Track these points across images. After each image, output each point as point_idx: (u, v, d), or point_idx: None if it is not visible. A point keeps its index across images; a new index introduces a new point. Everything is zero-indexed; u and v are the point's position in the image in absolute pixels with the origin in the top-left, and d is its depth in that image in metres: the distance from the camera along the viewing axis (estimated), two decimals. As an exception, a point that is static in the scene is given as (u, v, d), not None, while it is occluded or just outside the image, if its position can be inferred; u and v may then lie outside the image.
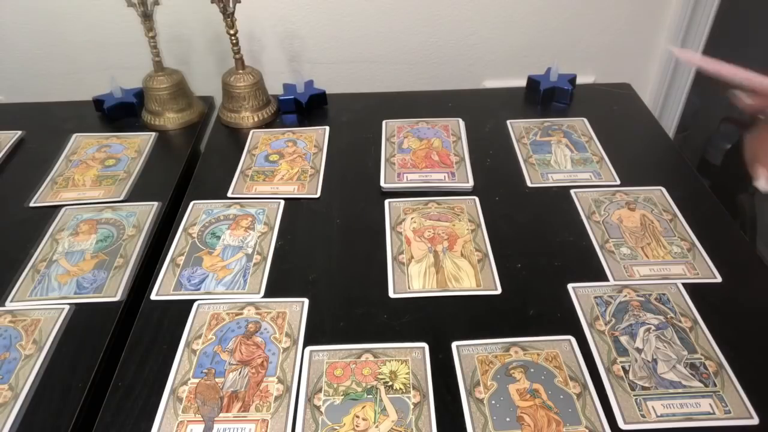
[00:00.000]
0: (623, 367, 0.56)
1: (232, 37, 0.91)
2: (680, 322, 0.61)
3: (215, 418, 0.53)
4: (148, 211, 0.77)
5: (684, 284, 0.65)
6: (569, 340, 0.59)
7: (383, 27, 1.12)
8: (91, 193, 0.81)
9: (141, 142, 0.92)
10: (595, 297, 0.64)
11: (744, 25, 1.41)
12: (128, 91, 0.99)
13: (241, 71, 0.94)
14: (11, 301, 0.65)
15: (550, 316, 0.62)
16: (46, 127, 0.97)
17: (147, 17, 0.88)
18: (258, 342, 0.60)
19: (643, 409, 0.53)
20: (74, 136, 0.93)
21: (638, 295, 0.64)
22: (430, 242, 0.71)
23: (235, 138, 0.94)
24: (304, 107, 0.98)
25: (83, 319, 0.63)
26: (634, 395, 0.54)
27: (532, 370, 0.56)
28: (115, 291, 0.66)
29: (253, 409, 0.54)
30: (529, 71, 1.03)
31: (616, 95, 1.02)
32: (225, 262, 0.70)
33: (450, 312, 0.63)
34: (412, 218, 0.75)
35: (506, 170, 0.84)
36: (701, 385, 0.55)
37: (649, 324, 0.60)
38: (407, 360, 0.57)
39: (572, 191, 0.79)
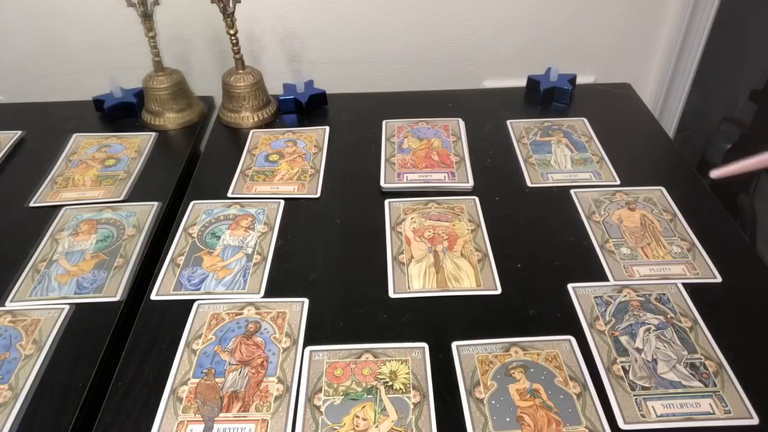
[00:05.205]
0: (623, 367, 0.56)
1: (232, 37, 0.91)
2: (680, 322, 0.61)
3: (215, 418, 0.53)
4: (148, 211, 0.77)
5: (684, 284, 0.65)
6: (569, 340, 0.59)
7: (383, 27, 1.12)
8: (91, 193, 0.81)
9: (141, 142, 0.92)
10: (595, 297, 0.64)
11: (744, 25, 1.41)
12: (128, 91, 0.99)
13: (241, 71, 0.94)
14: (11, 301, 0.65)
15: (550, 316, 0.62)
16: (46, 127, 0.97)
17: (147, 17, 0.88)
18: (258, 342, 0.60)
19: (643, 409, 0.53)
20: (74, 136, 0.93)
21: (638, 295, 0.64)
22: (430, 242, 0.71)
23: (235, 138, 0.94)
24: (304, 107, 0.98)
25: (83, 319, 0.63)
26: (634, 395, 0.54)
27: (532, 370, 0.56)
28: (115, 291, 0.66)
29: (253, 409, 0.54)
30: (529, 71, 1.03)
31: (616, 95, 1.02)
32: (225, 262, 0.70)
33: (450, 312, 0.63)
34: (412, 218, 0.75)
35: (506, 170, 0.84)
36: (701, 385, 0.55)
37: (649, 324, 0.60)
38: (407, 360, 0.57)
39: (572, 191, 0.79)
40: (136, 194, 0.81)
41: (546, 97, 0.99)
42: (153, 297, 0.66)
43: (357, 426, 0.52)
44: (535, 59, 1.16)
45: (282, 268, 0.69)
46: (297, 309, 0.63)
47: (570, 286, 0.65)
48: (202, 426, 0.53)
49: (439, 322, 0.62)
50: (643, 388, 0.54)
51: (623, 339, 0.59)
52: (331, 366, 0.57)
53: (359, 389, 0.55)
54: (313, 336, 0.61)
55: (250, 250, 0.71)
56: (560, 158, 0.86)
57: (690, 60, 1.16)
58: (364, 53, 1.15)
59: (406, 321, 0.62)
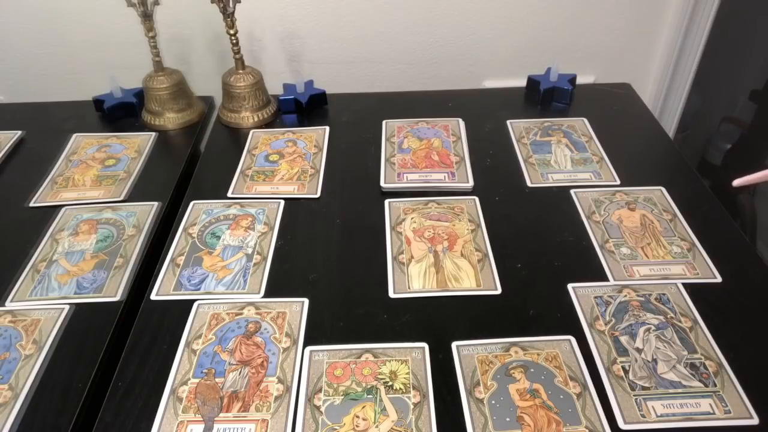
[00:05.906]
0: (623, 367, 0.56)
1: (232, 37, 0.91)
2: (680, 322, 0.61)
3: (215, 418, 0.53)
4: (148, 211, 0.77)
5: (684, 284, 0.65)
6: (569, 340, 0.59)
7: (383, 27, 1.12)
8: (91, 193, 0.81)
9: (141, 142, 0.92)
10: (595, 297, 0.64)
11: (744, 25, 1.41)
12: (128, 91, 0.99)
13: (241, 71, 0.94)
14: (11, 301, 0.65)
15: (550, 316, 0.62)
16: (46, 127, 0.97)
17: (147, 17, 0.88)
18: (258, 342, 0.60)
19: (643, 409, 0.53)
20: (74, 136, 0.93)
21: (638, 295, 0.64)
22: (430, 242, 0.71)
23: (235, 138, 0.94)
24: (304, 107, 0.98)
25: (83, 319, 0.63)
26: (634, 395, 0.54)
27: (532, 370, 0.56)
28: (115, 291, 0.66)
29: (253, 409, 0.54)
30: (529, 71, 1.03)
31: (616, 95, 1.02)
32: (225, 262, 0.70)
33: (450, 312, 0.63)
34: (412, 218, 0.75)
35: (506, 170, 0.84)
36: (701, 385, 0.55)
37: (649, 324, 0.60)
38: (407, 360, 0.57)
39: (572, 191, 0.79)
40: (136, 194, 0.81)
41: (546, 97, 0.99)
42: (153, 297, 0.66)
43: (357, 426, 0.52)
44: (535, 59, 1.16)
45: (282, 268, 0.69)
46: (297, 309, 0.63)
47: (570, 286, 0.65)
48: (202, 426, 0.53)
49: (439, 322, 0.62)
50: (643, 388, 0.54)
51: (623, 339, 0.59)
52: (331, 366, 0.57)
53: (359, 389, 0.55)
54: (313, 336, 0.61)
55: (250, 250, 0.71)
56: (560, 158, 0.86)
57: (690, 60, 1.16)
58: (364, 53, 1.15)
59: (406, 321, 0.62)
